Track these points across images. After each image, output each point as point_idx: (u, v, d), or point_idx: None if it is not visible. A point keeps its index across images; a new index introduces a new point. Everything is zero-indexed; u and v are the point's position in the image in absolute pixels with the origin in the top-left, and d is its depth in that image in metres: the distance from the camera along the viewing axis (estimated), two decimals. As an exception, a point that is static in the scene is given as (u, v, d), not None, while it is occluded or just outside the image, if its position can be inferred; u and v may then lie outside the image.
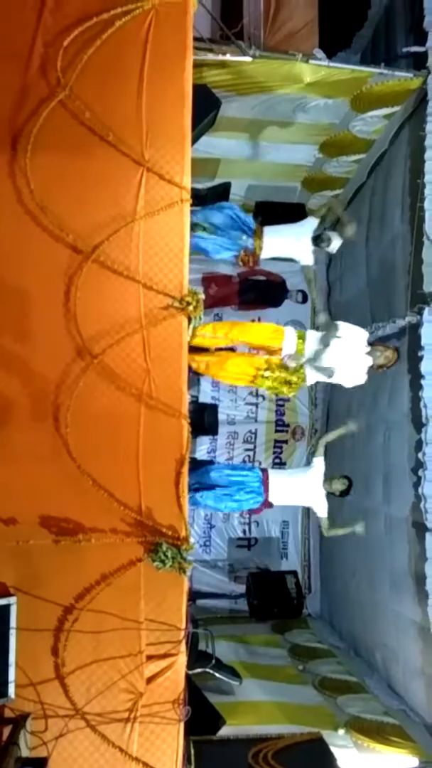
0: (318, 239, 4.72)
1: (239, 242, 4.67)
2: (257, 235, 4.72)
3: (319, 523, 4.80)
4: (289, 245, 4.76)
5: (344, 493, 4.67)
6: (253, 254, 4.75)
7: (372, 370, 4.39)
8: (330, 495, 4.67)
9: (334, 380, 4.48)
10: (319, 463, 4.68)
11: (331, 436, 4.86)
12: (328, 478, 4.65)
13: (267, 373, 4.24)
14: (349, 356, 4.32)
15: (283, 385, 4.33)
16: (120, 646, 3.30)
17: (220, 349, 4.50)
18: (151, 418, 3.40)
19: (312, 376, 4.40)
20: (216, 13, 4.68)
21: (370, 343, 4.43)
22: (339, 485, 4.62)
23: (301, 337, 4.32)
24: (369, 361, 4.36)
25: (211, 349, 4.37)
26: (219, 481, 4.56)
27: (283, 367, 4.30)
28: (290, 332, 4.36)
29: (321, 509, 4.64)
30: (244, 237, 4.66)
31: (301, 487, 4.60)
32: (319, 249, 4.81)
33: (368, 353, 4.35)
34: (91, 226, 3.37)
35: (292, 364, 4.28)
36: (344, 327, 4.37)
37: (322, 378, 4.46)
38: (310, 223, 4.78)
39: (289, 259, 5.00)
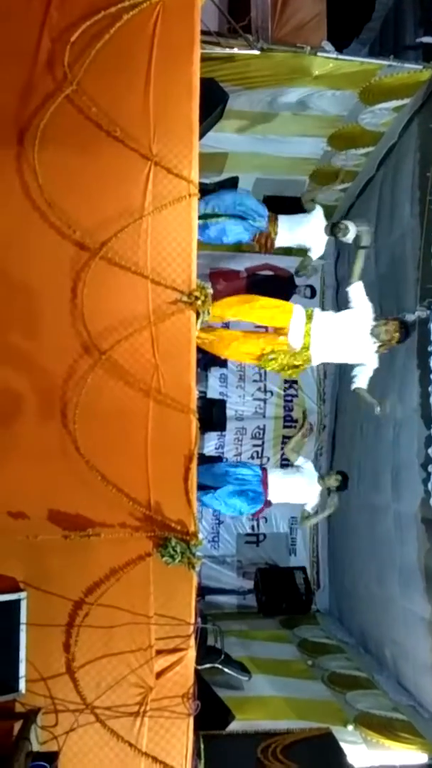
0: (335, 227, 4.68)
1: (254, 224, 4.66)
2: (271, 220, 4.71)
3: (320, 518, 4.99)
4: (303, 232, 4.75)
5: (340, 488, 4.80)
6: (268, 236, 4.74)
7: (381, 350, 4.30)
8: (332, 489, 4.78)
9: (341, 359, 4.43)
10: (303, 462, 4.82)
11: (291, 444, 5.08)
12: (323, 475, 4.80)
13: (272, 356, 4.21)
14: (354, 331, 4.24)
15: (287, 369, 4.30)
16: (130, 641, 3.31)
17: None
18: (160, 414, 3.39)
19: (317, 357, 4.33)
20: (223, 7, 4.64)
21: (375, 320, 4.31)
22: (333, 481, 4.76)
23: (309, 317, 4.26)
24: (374, 340, 4.24)
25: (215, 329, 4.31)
26: (221, 484, 4.59)
27: (288, 350, 4.24)
28: (299, 310, 4.29)
29: (312, 504, 4.80)
30: (258, 219, 4.66)
31: (299, 485, 4.70)
32: (334, 238, 4.79)
33: (371, 331, 4.23)
34: (99, 222, 3.35)
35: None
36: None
37: (327, 358, 4.39)
38: (320, 212, 4.76)
39: (301, 249, 5.00)
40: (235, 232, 4.71)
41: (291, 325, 4.21)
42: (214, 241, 4.82)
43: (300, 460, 4.84)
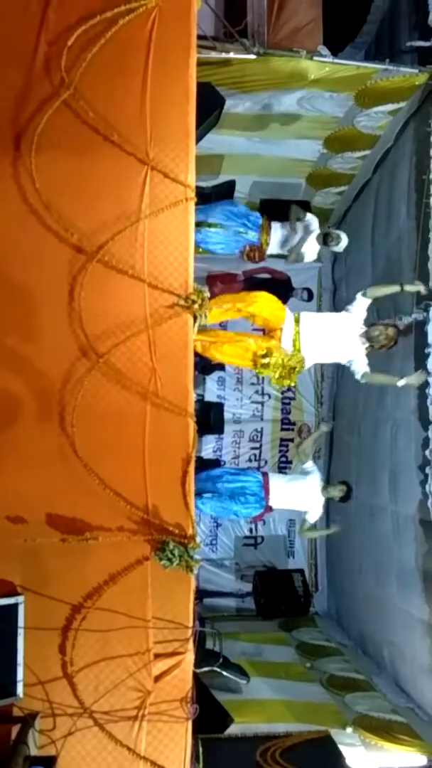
0: (327, 237, 4.70)
1: (244, 237, 4.65)
2: (264, 229, 4.70)
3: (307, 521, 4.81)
4: (297, 240, 4.74)
5: (344, 498, 4.69)
6: (258, 249, 4.73)
7: (373, 351, 4.23)
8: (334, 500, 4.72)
9: (331, 359, 4.41)
10: (311, 467, 4.72)
11: (308, 442, 5.00)
12: (327, 484, 4.69)
13: (266, 360, 4.19)
14: (342, 333, 4.19)
15: (284, 376, 4.25)
16: (128, 645, 3.30)
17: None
18: (157, 417, 3.39)
19: (309, 358, 4.26)
20: (220, 11, 4.66)
21: (370, 324, 4.23)
22: (337, 492, 4.66)
23: (297, 320, 4.22)
24: (365, 343, 4.18)
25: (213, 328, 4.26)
26: (220, 489, 4.56)
27: (281, 350, 4.19)
28: (289, 314, 4.25)
29: (314, 515, 4.68)
30: (249, 232, 4.65)
31: (301, 492, 4.62)
32: (326, 247, 4.80)
33: (364, 333, 4.17)
34: (96, 226, 3.36)
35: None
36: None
37: (319, 359, 4.35)
38: (315, 221, 4.77)
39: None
40: (215, 240, 4.67)
41: (285, 323, 4.17)
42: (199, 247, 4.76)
43: (309, 464, 4.73)
